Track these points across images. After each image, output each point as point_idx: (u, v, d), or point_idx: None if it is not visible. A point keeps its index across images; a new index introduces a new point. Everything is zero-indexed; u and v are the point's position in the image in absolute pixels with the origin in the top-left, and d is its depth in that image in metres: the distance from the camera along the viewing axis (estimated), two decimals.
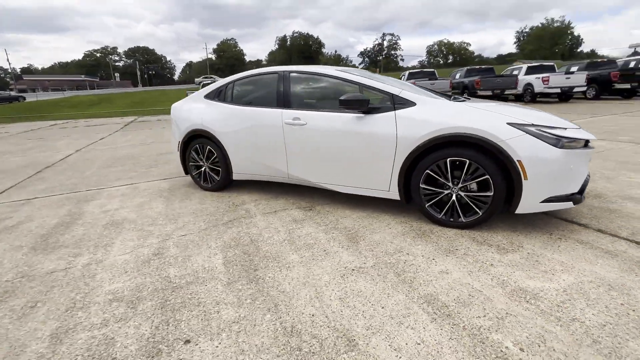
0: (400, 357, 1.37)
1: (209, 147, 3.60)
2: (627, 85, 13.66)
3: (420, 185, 2.55)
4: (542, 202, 2.25)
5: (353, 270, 2.03)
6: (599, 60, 15.86)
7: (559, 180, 2.23)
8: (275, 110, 3.12)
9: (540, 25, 70.76)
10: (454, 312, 1.62)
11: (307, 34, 77.75)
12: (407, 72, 16.05)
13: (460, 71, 16.19)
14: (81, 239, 2.69)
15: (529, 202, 2.26)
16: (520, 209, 2.29)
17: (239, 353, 1.44)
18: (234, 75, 3.64)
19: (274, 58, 76.52)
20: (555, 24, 68.17)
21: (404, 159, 2.55)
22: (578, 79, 13.67)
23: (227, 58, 73.34)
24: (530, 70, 15.00)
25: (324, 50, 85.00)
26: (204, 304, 1.78)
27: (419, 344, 1.44)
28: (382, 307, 1.68)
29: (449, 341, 1.44)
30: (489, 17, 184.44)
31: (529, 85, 14.60)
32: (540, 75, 13.93)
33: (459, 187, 2.43)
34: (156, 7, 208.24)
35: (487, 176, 2.30)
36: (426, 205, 2.58)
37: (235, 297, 1.82)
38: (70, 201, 3.72)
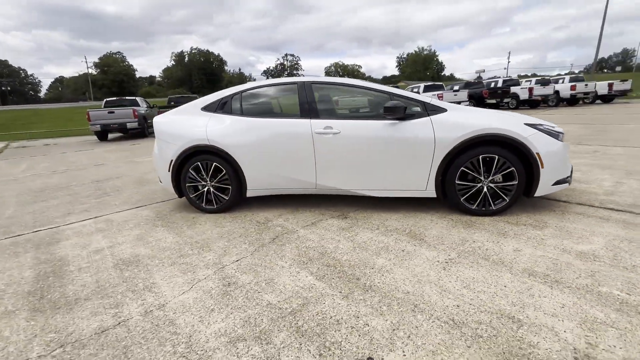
0: (562, 320, 1.56)
1: (215, 163, 3.25)
2: (494, 101, 17.54)
3: (456, 181, 2.86)
4: (552, 185, 2.82)
5: (446, 262, 2.17)
6: (472, 81, 19.92)
7: (561, 167, 2.83)
8: (303, 120, 3.06)
9: (414, 52, 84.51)
10: (557, 278, 1.91)
11: (207, 50, 74.71)
12: None
13: None
14: (100, 287, 2.10)
15: (544, 186, 2.79)
16: (537, 193, 2.81)
17: (433, 354, 1.41)
18: (240, 86, 3.40)
19: (171, 74, 70.74)
20: (425, 52, 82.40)
21: (441, 159, 2.83)
22: (462, 95, 16.90)
23: (114, 73, 64.14)
24: (426, 89, 17.82)
25: (226, 67, 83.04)
26: (344, 320, 1.65)
27: (563, 306, 1.66)
28: (505, 286, 1.86)
29: (579, 300, 1.71)
30: (372, 44, 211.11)
31: None
32: (436, 93, 16.69)
33: (489, 179, 2.84)
34: (2, 11, 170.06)
35: (512, 168, 2.76)
36: (461, 199, 2.91)
37: (369, 307, 1.75)
38: (23, 247, 2.83)
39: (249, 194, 3.31)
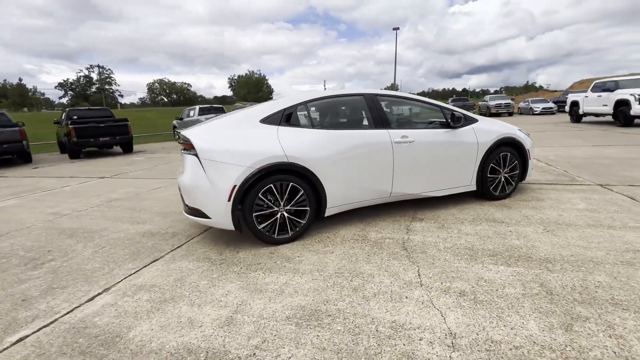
0: None
1: (292, 183, 2.78)
2: None
3: (488, 174, 3.66)
4: (530, 170, 4.05)
5: (547, 232, 2.84)
6: None
7: (532, 157, 4.10)
8: (381, 130, 3.10)
9: (245, 75, 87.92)
10: (608, 224, 2.90)
11: None
12: (197, 107, 15.67)
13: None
14: (343, 350, 1.57)
15: (529, 172, 3.98)
16: (527, 177, 3.97)
17: None
18: (302, 97, 3.04)
19: None
20: (256, 76, 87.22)
21: (481, 158, 3.56)
22: None
23: None
24: None
25: None
26: (579, 285, 2.00)
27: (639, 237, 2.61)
28: (600, 235, 2.69)
29: (636, 232, 2.71)
30: (195, 63, 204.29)
31: None
32: None
33: (504, 171, 3.78)
34: None
35: (516, 161, 3.80)
36: (490, 188, 3.72)
37: (573, 272, 2.16)
38: (66, 354, 1.59)
39: (327, 212, 3.00)
